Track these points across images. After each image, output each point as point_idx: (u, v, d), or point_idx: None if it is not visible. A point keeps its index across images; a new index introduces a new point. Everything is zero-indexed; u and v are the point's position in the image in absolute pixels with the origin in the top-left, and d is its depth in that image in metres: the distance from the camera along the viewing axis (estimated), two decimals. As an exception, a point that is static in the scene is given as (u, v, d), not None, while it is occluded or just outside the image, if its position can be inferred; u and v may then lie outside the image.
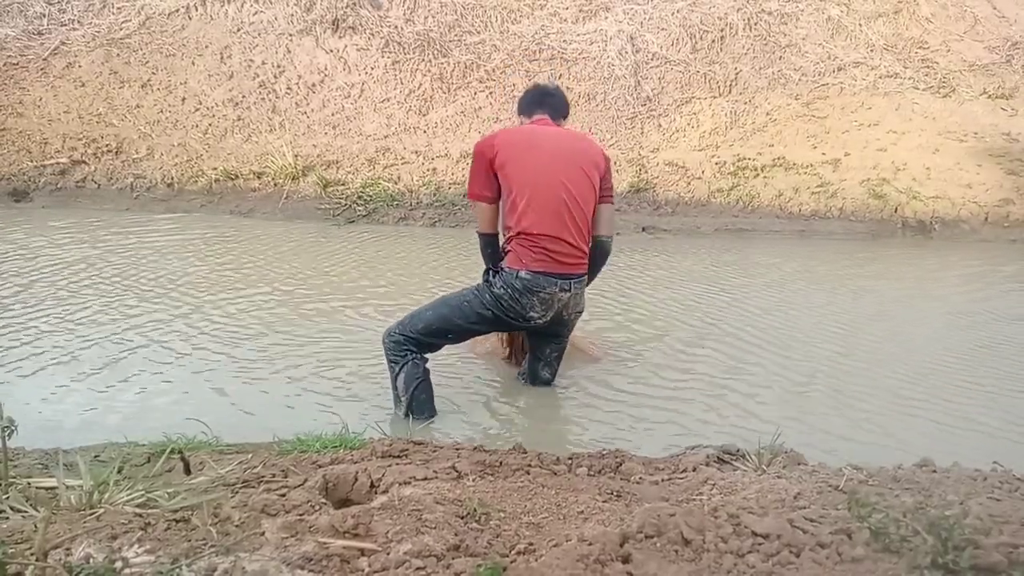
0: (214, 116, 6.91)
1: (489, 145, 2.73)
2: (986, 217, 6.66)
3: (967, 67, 8.05)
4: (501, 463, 1.85)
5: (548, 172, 2.68)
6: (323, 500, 1.57)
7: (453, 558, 1.28)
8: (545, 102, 2.94)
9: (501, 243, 2.80)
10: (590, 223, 2.76)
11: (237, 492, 1.61)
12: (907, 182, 6.85)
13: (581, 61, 7.63)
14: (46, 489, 1.64)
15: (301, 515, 1.44)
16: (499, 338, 3.23)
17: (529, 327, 2.79)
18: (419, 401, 2.64)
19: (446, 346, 2.84)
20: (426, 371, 2.69)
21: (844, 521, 1.35)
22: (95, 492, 1.51)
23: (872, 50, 8.12)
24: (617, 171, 6.77)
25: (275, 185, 6.35)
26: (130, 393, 2.84)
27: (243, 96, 7.07)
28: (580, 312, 2.87)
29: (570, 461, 1.95)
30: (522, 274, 2.63)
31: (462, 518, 1.46)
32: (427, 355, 2.74)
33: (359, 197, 6.23)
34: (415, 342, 2.68)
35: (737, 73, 7.71)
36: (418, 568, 1.23)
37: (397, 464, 1.77)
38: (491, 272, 2.74)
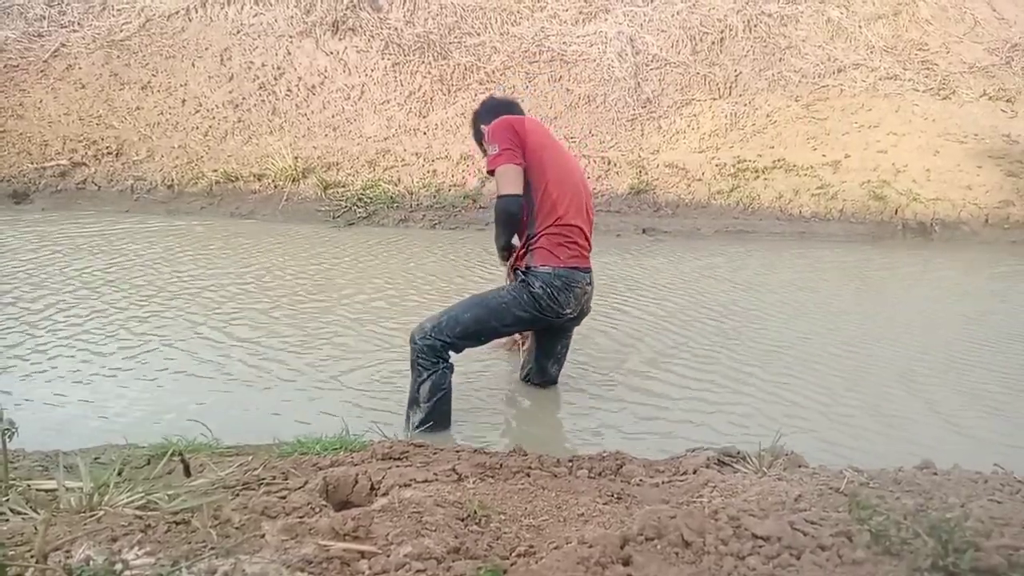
0: (214, 118, 6.92)
1: (520, 123, 2.64)
2: (986, 219, 6.66)
3: (967, 69, 8.06)
4: (501, 465, 1.85)
5: (569, 167, 2.75)
6: (323, 502, 1.57)
7: (453, 560, 1.28)
8: (513, 111, 2.92)
9: (529, 232, 2.70)
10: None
11: (237, 494, 1.61)
12: (907, 184, 6.85)
13: (581, 63, 7.64)
14: (46, 491, 1.64)
15: (301, 517, 1.44)
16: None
17: (559, 323, 2.78)
18: (440, 413, 2.59)
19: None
20: (451, 382, 2.62)
21: (845, 523, 1.35)
22: (95, 494, 1.51)
23: (872, 52, 8.13)
24: (617, 173, 6.78)
25: (275, 187, 6.35)
26: (130, 395, 2.83)
27: (243, 98, 7.08)
28: (591, 307, 2.89)
29: (570, 463, 1.95)
30: (560, 271, 2.63)
31: (462, 520, 1.46)
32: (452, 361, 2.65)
33: (359, 199, 6.23)
34: (450, 346, 2.59)
35: (737, 75, 7.72)
36: (418, 570, 1.23)
37: (397, 466, 1.77)
38: (523, 272, 2.68)
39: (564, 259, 2.64)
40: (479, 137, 2.92)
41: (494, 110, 2.88)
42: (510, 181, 2.58)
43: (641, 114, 7.31)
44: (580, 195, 2.73)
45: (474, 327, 2.61)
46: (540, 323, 2.76)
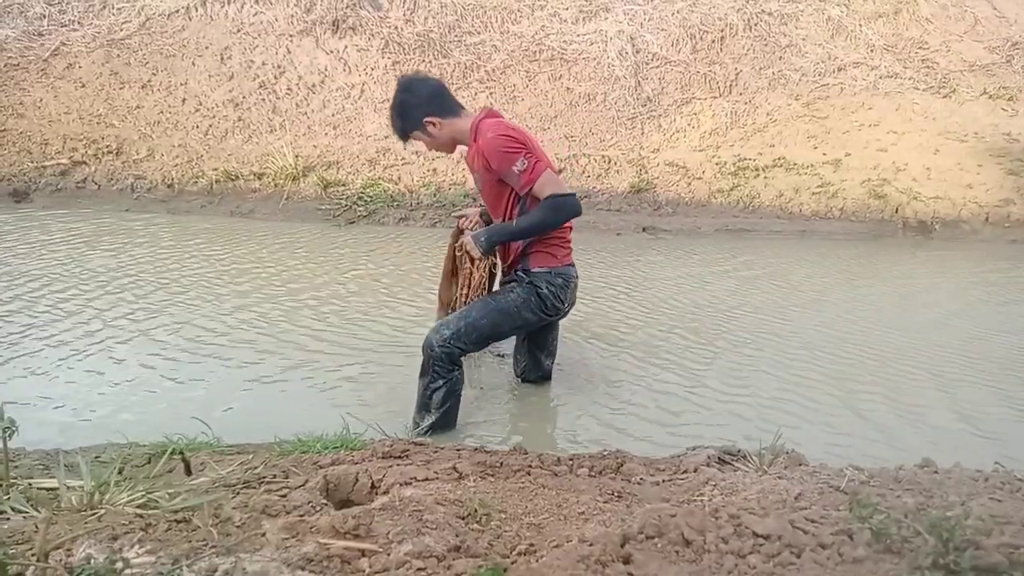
0: (214, 117, 6.91)
1: (521, 132, 2.58)
2: (986, 217, 6.66)
3: (967, 67, 8.05)
4: (502, 464, 1.85)
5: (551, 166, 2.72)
6: (324, 501, 1.57)
7: (454, 559, 1.28)
8: (448, 94, 2.63)
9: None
10: None
11: (238, 493, 1.61)
12: (907, 182, 6.85)
13: (581, 62, 7.63)
14: (47, 490, 1.64)
15: (302, 516, 1.44)
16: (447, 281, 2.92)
17: (557, 318, 2.82)
18: (449, 419, 2.60)
19: None
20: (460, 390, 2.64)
21: (845, 522, 1.35)
22: (96, 493, 1.51)
23: (872, 50, 8.12)
24: (617, 172, 6.78)
25: (275, 186, 6.35)
26: (131, 393, 2.84)
27: (243, 97, 7.07)
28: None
29: (571, 462, 1.95)
30: (558, 270, 2.68)
31: (463, 519, 1.46)
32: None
33: (359, 198, 6.22)
34: (464, 352, 2.60)
35: (737, 73, 7.71)
36: (419, 569, 1.23)
37: (398, 465, 1.77)
38: (523, 274, 2.67)
39: (560, 258, 2.69)
40: (412, 128, 2.58)
41: (449, 102, 2.60)
42: (561, 183, 2.56)
43: (641, 113, 7.31)
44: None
45: (489, 331, 2.64)
46: (543, 323, 2.79)
